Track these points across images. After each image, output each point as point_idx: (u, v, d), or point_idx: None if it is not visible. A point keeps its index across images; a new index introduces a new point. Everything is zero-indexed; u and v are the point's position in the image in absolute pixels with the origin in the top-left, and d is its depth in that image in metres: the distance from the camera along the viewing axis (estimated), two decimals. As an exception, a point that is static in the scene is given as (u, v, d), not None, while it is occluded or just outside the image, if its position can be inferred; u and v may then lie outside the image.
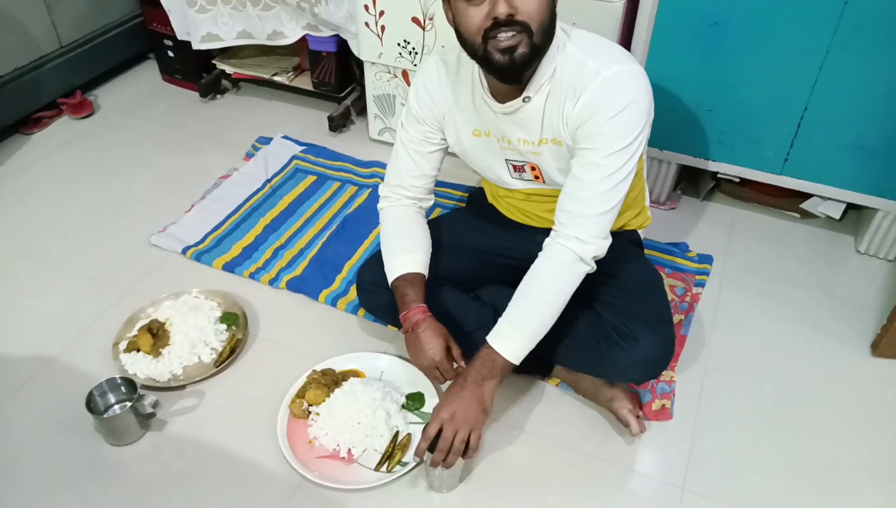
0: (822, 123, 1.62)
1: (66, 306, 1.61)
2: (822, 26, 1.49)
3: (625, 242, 1.44)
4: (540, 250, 1.45)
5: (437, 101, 1.29)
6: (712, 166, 1.81)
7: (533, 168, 1.29)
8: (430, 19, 1.79)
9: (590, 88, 1.13)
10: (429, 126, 1.32)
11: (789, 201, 1.88)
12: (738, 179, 1.86)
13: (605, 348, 1.28)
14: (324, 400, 1.35)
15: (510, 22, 1.05)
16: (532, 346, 1.20)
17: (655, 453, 1.33)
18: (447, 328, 1.32)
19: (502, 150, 1.29)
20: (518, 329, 1.19)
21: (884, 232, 1.73)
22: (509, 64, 1.10)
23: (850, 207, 1.80)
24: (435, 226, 1.46)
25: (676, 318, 1.59)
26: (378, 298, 1.44)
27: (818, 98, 1.59)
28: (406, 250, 1.34)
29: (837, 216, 1.81)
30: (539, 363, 1.41)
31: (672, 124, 1.73)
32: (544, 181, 1.31)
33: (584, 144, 1.16)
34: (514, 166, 1.32)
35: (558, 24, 1.14)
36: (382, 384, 1.40)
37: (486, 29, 1.07)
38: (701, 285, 1.69)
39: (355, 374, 1.43)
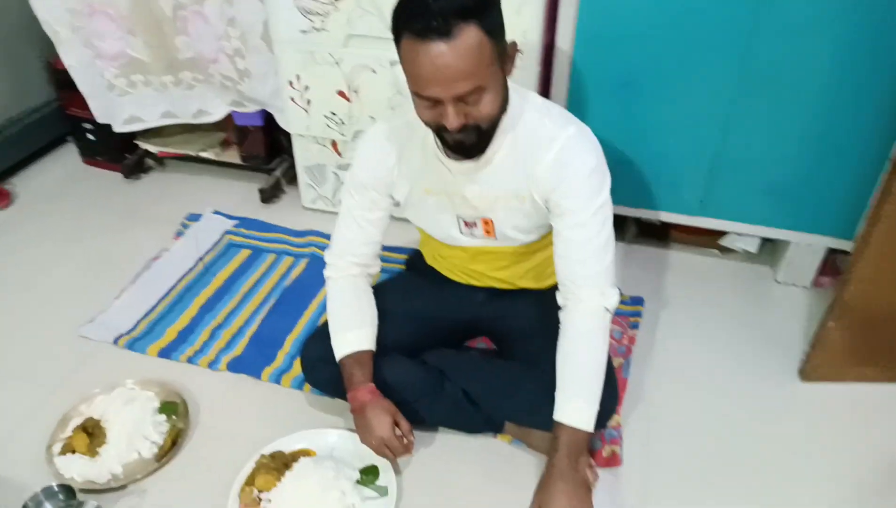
0: (734, 166, 1.73)
1: (-10, 411, 1.53)
2: (724, 80, 1.60)
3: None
4: (481, 308, 1.49)
5: (384, 165, 1.31)
6: (634, 213, 1.90)
7: (486, 222, 1.32)
8: (355, 91, 1.84)
9: (554, 150, 1.19)
10: (375, 192, 1.34)
11: (709, 238, 1.99)
12: (659, 223, 1.96)
13: (550, 401, 1.30)
14: (275, 485, 1.31)
15: (461, 127, 1.10)
16: (597, 407, 1.22)
17: (610, 501, 1.35)
18: (393, 398, 1.33)
19: (454, 206, 1.31)
20: (584, 399, 1.22)
21: (798, 261, 1.84)
22: (460, 150, 1.17)
23: (766, 240, 1.92)
24: (376, 293, 1.47)
25: (617, 362, 1.64)
26: (324, 373, 1.42)
27: (728, 144, 1.70)
28: (353, 326, 1.35)
29: (754, 250, 1.93)
30: (490, 422, 1.43)
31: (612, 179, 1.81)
32: (496, 237, 1.34)
33: (564, 205, 1.21)
34: (466, 222, 1.34)
35: (514, 89, 1.20)
36: (334, 461, 1.37)
37: (439, 126, 1.12)
38: (635, 326, 1.75)
39: (306, 453, 1.40)
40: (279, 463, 1.35)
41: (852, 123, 1.57)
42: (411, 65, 1.06)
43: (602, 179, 1.23)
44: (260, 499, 1.31)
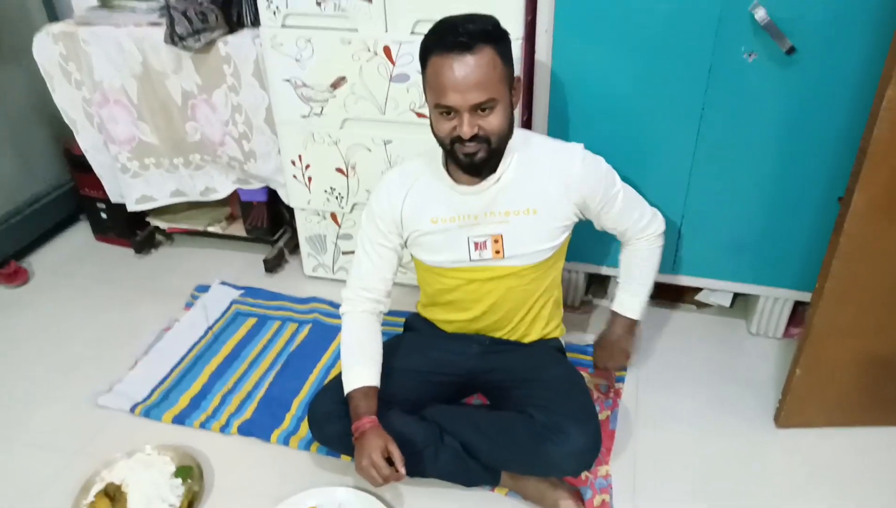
0: (700, 228, 1.88)
1: (13, 479, 1.61)
2: (683, 149, 1.76)
3: (549, 349, 1.63)
4: (476, 360, 1.61)
5: (393, 201, 1.49)
6: (612, 272, 2.04)
7: (496, 241, 1.47)
8: (352, 168, 2.00)
9: (577, 161, 1.46)
10: (387, 226, 1.51)
11: (685, 294, 2.12)
12: (639, 281, 2.09)
13: (539, 445, 1.42)
14: None
15: (473, 137, 1.31)
16: (646, 300, 1.67)
17: (602, 546, 1.45)
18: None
19: (466, 228, 1.47)
20: (635, 296, 1.67)
21: (768, 314, 1.98)
22: (470, 164, 1.38)
23: (738, 294, 2.06)
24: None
25: (603, 414, 1.75)
26: (331, 428, 1.52)
27: (691, 206, 1.85)
28: (363, 363, 1.49)
29: (727, 304, 2.06)
30: (486, 472, 1.52)
31: (575, 238, 1.95)
32: (503, 257, 1.48)
33: (600, 199, 1.50)
34: (476, 244, 1.48)
35: (519, 133, 1.47)
36: (341, 517, 1.47)
37: (453, 138, 1.33)
38: (621, 380, 1.87)
39: (316, 511, 1.49)
40: (290, 521, 1.45)
41: (802, 184, 1.72)
42: (436, 78, 1.29)
43: (613, 174, 1.54)
44: None
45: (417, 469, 1.49)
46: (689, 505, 1.53)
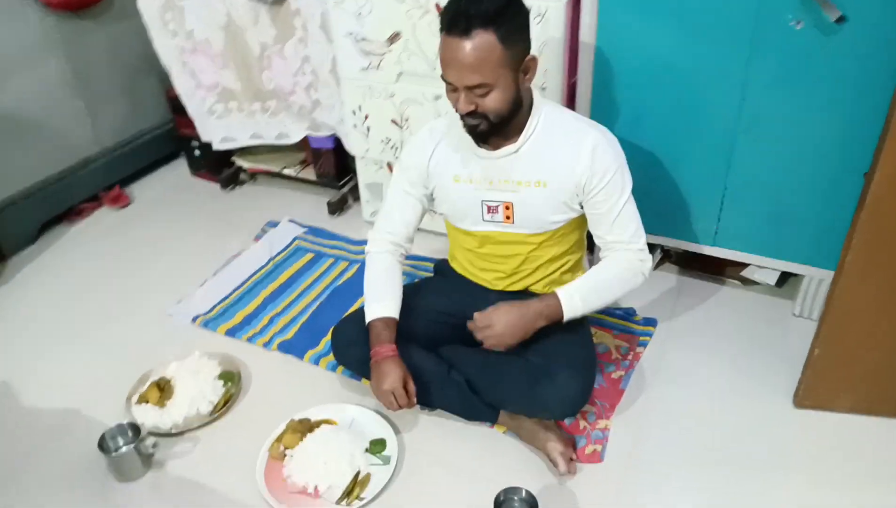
0: (742, 199, 1.84)
1: (92, 368, 1.90)
2: (726, 117, 1.73)
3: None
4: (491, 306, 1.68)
5: (422, 154, 1.58)
6: (654, 240, 2.03)
7: (507, 207, 1.53)
8: (406, 120, 2.11)
9: (588, 146, 1.45)
10: (415, 176, 1.59)
11: (731, 269, 2.08)
12: (681, 251, 2.08)
13: (531, 386, 1.50)
14: (298, 443, 1.58)
15: (471, 112, 1.38)
16: (583, 312, 1.51)
17: (584, 491, 1.51)
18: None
19: (481, 191, 1.53)
20: (581, 299, 1.50)
21: (812, 295, 1.91)
22: (474, 134, 1.45)
23: (788, 274, 1.99)
24: (405, 291, 1.71)
25: (617, 374, 1.79)
26: (352, 352, 1.67)
27: (734, 177, 1.82)
28: (385, 297, 1.60)
29: (773, 283, 2.00)
30: (487, 409, 1.62)
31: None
32: (513, 223, 1.55)
33: (600, 196, 1.47)
34: (489, 207, 1.55)
35: (542, 98, 1.48)
36: (350, 431, 1.62)
37: (456, 109, 1.40)
38: (644, 345, 1.89)
39: (328, 422, 1.66)
40: (304, 427, 1.62)
41: (847, 158, 1.65)
42: (441, 52, 1.35)
43: (624, 171, 1.49)
44: (284, 454, 1.57)
45: (425, 399, 1.62)
46: (682, 469, 1.55)
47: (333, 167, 2.51)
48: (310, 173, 2.61)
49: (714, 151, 1.80)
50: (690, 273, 2.14)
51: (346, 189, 2.56)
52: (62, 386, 1.85)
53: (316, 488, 1.50)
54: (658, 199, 1.94)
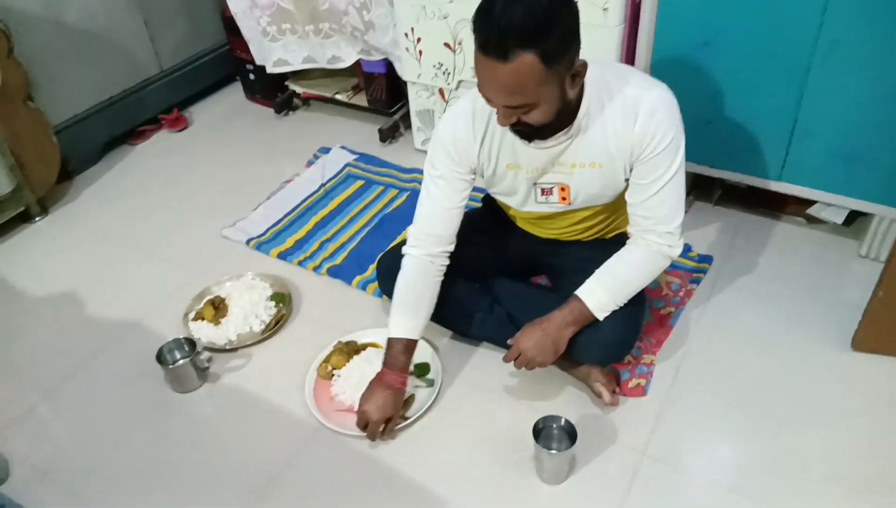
0: (813, 132, 1.73)
1: (151, 282, 1.99)
2: (802, 43, 1.61)
3: (618, 244, 1.59)
4: (542, 246, 1.63)
5: (468, 145, 1.40)
6: (716, 174, 1.95)
7: (563, 189, 1.43)
8: (459, 44, 2.05)
9: (640, 120, 1.28)
10: (460, 157, 1.42)
11: (795, 207, 1.98)
12: (744, 186, 1.98)
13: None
14: (344, 364, 1.62)
15: (512, 124, 1.23)
16: (614, 308, 1.39)
17: (623, 422, 1.50)
18: (452, 312, 1.58)
19: (532, 178, 1.42)
20: (608, 292, 1.39)
21: (881, 236, 1.81)
22: (520, 136, 1.31)
23: (856, 213, 1.88)
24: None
25: (666, 310, 1.75)
26: (393, 284, 1.67)
27: (806, 109, 1.71)
28: (411, 313, 1.49)
29: (840, 221, 1.90)
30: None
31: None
32: (569, 203, 1.46)
33: (645, 169, 1.32)
34: (543, 190, 1.44)
35: (595, 70, 1.26)
36: (395, 354, 1.65)
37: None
38: (696, 282, 1.83)
39: (374, 345, 1.69)
40: (351, 349, 1.66)
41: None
42: (475, 64, 1.17)
43: (679, 144, 1.32)
44: (332, 374, 1.62)
45: (467, 330, 1.64)
46: (725, 409, 1.52)
47: (385, 93, 2.47)
48: (362, 99, 2.58)
49: (787, 80, 1.68)
50: (751, 210, 2.05)
51: (397, 116, 2.53)
52: (124, 298, 1.94)
53: (361, 406, 1.55)
54: (722, 130, 1.85)
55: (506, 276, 1.71)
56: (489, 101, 1.23)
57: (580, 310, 1.40)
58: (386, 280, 1.70)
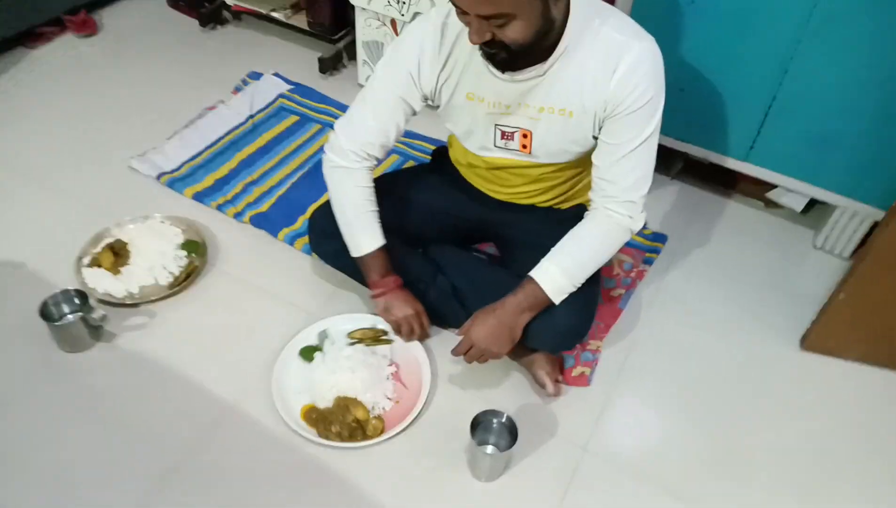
0: (789, 113, 1.62)
1: (41, 217, 1.72)
2: (795, 13, 1.48)
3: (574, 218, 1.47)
4: (492, 212, 1.49)
5: (430, 58, 1.26)
6: (680, 147, 1.82)
7: (525, 135, 1.30)
8: (417, -30, 1.81)
9: (621, 70, 1.16)
10: (416, 82, 1.28)
11: (756, 188, 1.89)
12: (707, 162, 1.87)
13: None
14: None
15: (486, 42, 1.09)
16: (572, 290, 1.27)
17: (566, 415, 1.41)
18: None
19: (495, 116, 1.29)
20: (565, 273, 1.25)
21: (840, 229, 1.74)
22: (492, 62, 1.17)
23: (815, 202, 1.81)
24: (394, 177, 1.50)
25: (616, 292, 1.64)
26: (327, 245, 1.48)
27: (787, 88, 1.58)
28: (369, 228, 1.37)
29: (799, 209, 1.82)
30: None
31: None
32: (530, 152, 1.33)
33: (617, 128, 1.21)
34: (503, 133, 1.32)
35: (583, 5, 1.15)
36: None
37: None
38: (649, 262, 1.73)
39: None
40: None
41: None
42: None
43: (657, 106, 1.21)
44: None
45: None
46: (669, 400, 1.45)
47: (329, 16, 2.20)
48: (301, 21, 2.29)
49: (773, 52, 1.55)
50: (709, 187, 1.95)
51: (341, 45, 2.26)
52: (7, 234, 1.67)
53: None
54: (694, 100, 1.71)
55: (450, 242, 1.55)
56: (461, 12, 1.07)
57: (535, 294, 1.26)
58: (320, 241, 1.51)
